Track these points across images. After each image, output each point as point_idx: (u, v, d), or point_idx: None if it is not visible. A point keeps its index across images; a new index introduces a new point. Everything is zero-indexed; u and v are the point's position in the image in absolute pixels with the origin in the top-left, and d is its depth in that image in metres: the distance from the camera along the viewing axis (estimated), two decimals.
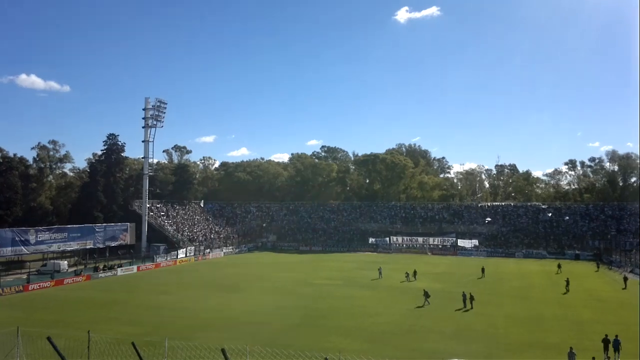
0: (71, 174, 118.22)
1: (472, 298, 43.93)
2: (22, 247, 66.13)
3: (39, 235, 68.13)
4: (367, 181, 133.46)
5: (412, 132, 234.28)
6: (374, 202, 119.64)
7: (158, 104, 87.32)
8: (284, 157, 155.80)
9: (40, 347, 23.09)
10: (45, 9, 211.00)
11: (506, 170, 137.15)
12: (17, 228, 68.72)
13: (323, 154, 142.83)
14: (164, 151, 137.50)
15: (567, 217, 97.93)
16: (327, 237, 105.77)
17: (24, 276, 59.60)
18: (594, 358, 26.39)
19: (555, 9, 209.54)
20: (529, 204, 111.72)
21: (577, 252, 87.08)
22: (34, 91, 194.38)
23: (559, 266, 69.33)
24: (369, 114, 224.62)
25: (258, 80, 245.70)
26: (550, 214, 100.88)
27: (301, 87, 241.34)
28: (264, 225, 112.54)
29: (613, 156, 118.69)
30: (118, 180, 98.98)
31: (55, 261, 67.44)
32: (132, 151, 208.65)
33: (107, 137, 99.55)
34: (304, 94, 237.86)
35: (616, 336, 29.70)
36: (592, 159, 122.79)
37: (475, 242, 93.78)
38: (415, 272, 61.07)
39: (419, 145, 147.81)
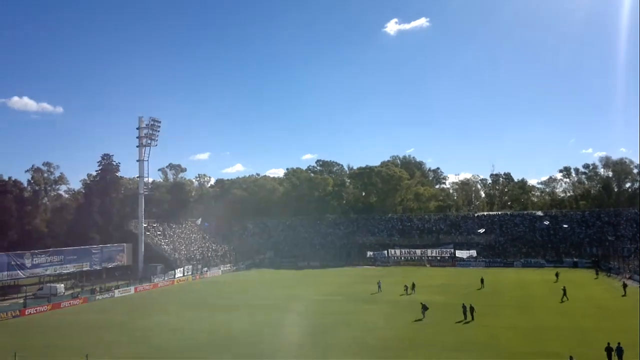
0: (66, 195, 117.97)
1: (472, 309, 43.75)
2: (18, 271, 65.67)
3: (34, 259, 67.71)
4: (363, 194, 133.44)
5: (406, 144, 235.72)
6: (370, 215, 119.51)
7: (152, 122, 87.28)
8: (279, 173, 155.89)
9: None
10: (36, 31, 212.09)
11: (501, 179, 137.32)
12: (12, 252, 68.26)
13: (318, 168, 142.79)
14: (159, 170, 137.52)
15: (566, 225, 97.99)
16: (325, 252, 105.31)
17: (21, 300, 58.89)
18: None
19: (545, 17, 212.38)
20: (525, 212, 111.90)
21: (575, 259, 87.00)
22: (27, 113, 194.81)
23: (557, 275, 69.18)
24: (362, 126, 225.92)
25: (251, 96, 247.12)
26: (547, 222, 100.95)
27: (294, 102, 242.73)
28: (262, 241, 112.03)
29: (607, 162, 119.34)
30: (113, 201, 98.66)
31: (52, 284, 66.78)
32: (127, 171, 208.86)
33: (102, 157, 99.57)
34: (297, 109, 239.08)
35: (618, 343, 29.65)
36: (586, 166, 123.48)
37: (473, 252, 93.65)
38: (413, 285, 60.79)
39: (413, 157, 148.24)
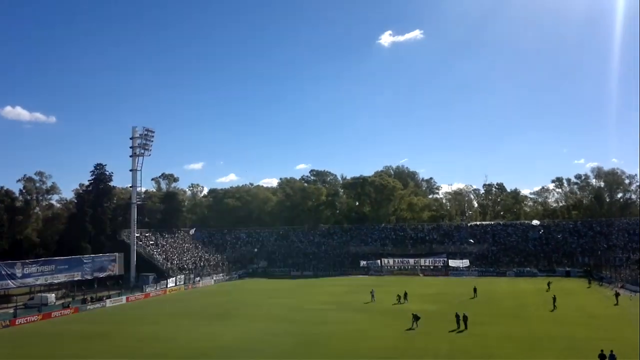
0: (58, 205, 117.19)
1: (465, 318, 43.71)
2: (9, 281, 64.99)
3: (25, 269, 67.07)
4: (357, 204, 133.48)
5: (400, 154, 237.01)
6: (364, 224, 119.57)
7: (145, 132, 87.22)
8: (272, 182, 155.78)
9: None
10: (29, 40, 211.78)
11: (494, 189, 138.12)
12: (3, 262, 67.59)
13: (312, 178, 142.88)
14: (152, 179, 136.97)
15: (559, 235, 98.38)
16: (319, 261, 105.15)
17: (11, 310, 58.33)
18: None
19: (539, 29, 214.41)
20: (518, 222, 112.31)
21: (567, 269, 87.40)
22: (19, 123, 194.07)
23: (549, 284, 69.30)
24: (356, 137, 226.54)
25: (245, 107, 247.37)
26: (541, 231, 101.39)
27: (288, 112, 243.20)
28: (255, 251, 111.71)
29: (599, 172, 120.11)
30: (106, 210, 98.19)
31: (43, 294, 66.24)
32: (120, 180, 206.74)
33: (95, 167, 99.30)
34: (291, 119, 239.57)
35: (611, 351, 29.83)
36: (578, 176, 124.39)
37: (466, 262, 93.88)
38: (406, 294, 60.76)
39: (406, 167, 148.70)
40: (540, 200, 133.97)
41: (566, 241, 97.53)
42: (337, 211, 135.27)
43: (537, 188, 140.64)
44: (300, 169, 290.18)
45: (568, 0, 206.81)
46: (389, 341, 40.02)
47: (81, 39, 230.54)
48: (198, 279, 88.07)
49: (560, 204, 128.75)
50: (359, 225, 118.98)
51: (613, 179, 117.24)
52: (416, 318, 44.70)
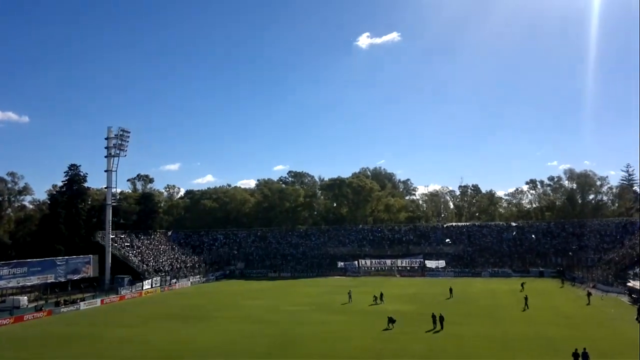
0: (31, 206, 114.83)
1: (442, 319, 44.21)
2: None
3: None
4: (334, 205, 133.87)
5: (377, 156, 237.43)
6: (341, 225, 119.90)
7: (121, 132, 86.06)
8: (250, 184, 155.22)
9: None
10: (0, 39, 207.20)
11: (469, 190, 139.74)
12: None
13: (290, 179, 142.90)
14: (128, 180, 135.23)
15: (532, 236, 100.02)
16: (296, 262, 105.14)
17: None
18: None
19: (513, 32, 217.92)
20: (492, 223, 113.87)
21: (541, 269, 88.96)
22: None
23: (523, 285, 70.24)
24: (334, 138, 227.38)
25: (222, 108, 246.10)
26: (514, 233, 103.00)
27: (266, 113, 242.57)
28: (235, 252, 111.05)
29: (571, 174, 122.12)
30: (80, 212, 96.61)
31: (15, 297, 64.88)
32: (95, 181, 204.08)
33: (69, 167, 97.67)
34: (268, 120, 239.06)
35: (584, 349, 30.60)
36: (551, 178, 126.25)
37: (442, 262, 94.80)
38: (382, 295, 61.26)
39: (384, 169, 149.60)
40: (514, 201, 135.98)
41: (539, 242, 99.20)
42: (315, 212, 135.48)
43: (511, 189, 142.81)
44: (278, 170, 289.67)
45: (543, 5, 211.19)
46: (366, 342, 40.26)
47: (55, 38, 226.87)
48: (174, 281, 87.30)
49: (534, 205, 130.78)
50: (336, 227, 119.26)
51: (585, 180, 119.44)
52: (391, 321, 44.99)
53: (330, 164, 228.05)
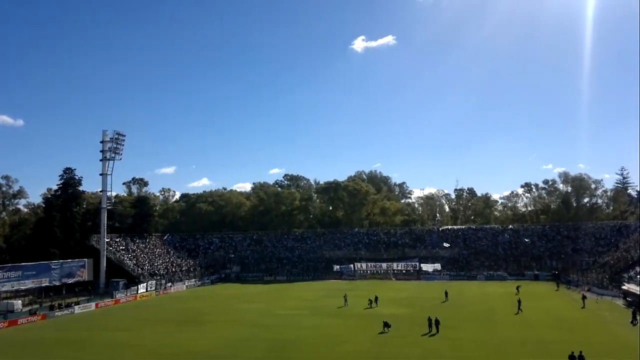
0: (25, 210, 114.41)
1: (437, 322, 44.22)
2: None
3: None
4: (330, 208, 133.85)
5: (373, 159, 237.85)
6: (337, 229, 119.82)
7: (116, 136, 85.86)
8: (246, 187, 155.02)
9: None
10: None
11: (465, 194, 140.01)
12: None
13: (286, 182, 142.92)
14: (123, 183, 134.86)
15: (527, 239, 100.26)
16: (292, 266, 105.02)
17: None
18: None
19: (508, 35, 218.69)
20: (488, 226, 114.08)
21: (536, 272, 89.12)
22: None
23: (518, 288, 69.88)
24: (329, 141, 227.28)
25: (218, 111, 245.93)
26: (508, 236, 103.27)
27: (262, 116, 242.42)
28: (231, 256, 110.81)
29: (566, 178, 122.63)
30: (75, 215, 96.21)
31: (9, 301, 64.53)
32: (90, 185, 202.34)
33: (64, 171, 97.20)
34: (264, 123, 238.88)
35: (580, 352, 30.62)
36: (546, 181, 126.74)
37: (438, 266, 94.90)
38: (376, 298, 61.26)
39: (379, 172, 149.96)
40: (509, 204, 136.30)
41: (535, 245, 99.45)
42: (311, 216, 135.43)
43: (506, 193, 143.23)
44: (274, 174, 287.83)
45: (538, 9, 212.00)
46: (362, 345, 40.24)
47: (50, 41, 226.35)
48: (170, 284, 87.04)
49: (529, 209, 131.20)
50: (332, 230, 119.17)
51: (580, 184, 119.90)
52: (387, 325, 44.97)
53: (326, 167, 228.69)
